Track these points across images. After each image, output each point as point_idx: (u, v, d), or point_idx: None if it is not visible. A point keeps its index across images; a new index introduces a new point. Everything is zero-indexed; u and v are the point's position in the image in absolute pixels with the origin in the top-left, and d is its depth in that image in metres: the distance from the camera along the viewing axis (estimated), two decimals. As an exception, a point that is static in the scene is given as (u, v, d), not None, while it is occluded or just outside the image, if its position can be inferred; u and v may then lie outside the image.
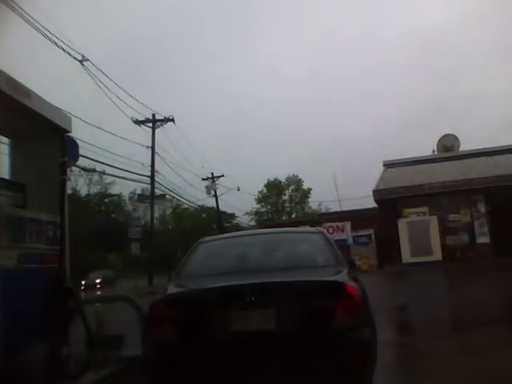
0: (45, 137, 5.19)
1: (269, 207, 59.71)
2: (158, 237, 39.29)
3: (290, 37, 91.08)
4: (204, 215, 54.70)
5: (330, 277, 4.41)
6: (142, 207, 48.87)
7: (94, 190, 50.44)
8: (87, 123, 23.13)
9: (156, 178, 32.15)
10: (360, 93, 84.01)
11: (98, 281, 33.81)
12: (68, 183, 5.81)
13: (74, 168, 23.30)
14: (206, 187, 42.42)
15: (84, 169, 30.71)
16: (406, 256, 26.03)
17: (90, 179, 48.13)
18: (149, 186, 33.11)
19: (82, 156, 17.11)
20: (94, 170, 33.30)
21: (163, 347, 4.08)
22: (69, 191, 9.15)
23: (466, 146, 32.18)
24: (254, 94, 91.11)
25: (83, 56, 21.30)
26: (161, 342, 4.10)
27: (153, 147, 31.28)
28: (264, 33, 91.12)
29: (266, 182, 58.52)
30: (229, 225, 52.81)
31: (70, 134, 5.66)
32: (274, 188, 59.09)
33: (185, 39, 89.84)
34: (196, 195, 53.49)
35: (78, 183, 45.72)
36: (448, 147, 32.13)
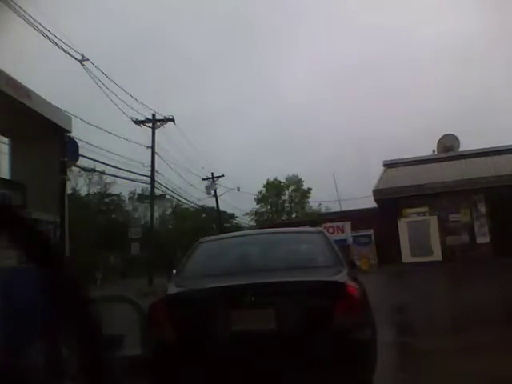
0: (45, 137, 5.19)
1: (268, 207, 59.74)
2: (158, 237, 39.25)
3: (290, 37, 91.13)
4: (204, 215, 54.68)
5: (330, 277, 4.41)
6: (142, 207, 48.87)
7: (94, 190, 50.44)
8: (87, 123, 23.10)
9: (156, 178, 32.15)
10: (360, 93, 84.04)
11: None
12: (68, 183, 5.82)
13: (73, 168, 23.30)
14: (206, 187, 42.39)
15: (84, 169, 30.68)
16: (406, 256, 26.03)
17: (89, 179, 48.13)
18: (149, 186, 33.10)
19: (82, 156, 17.12)
20: (93, 170, 33.26)
21: (163, 347, 4.08)
22: (69, 191, 9.16)
23: (465, 146, 32.21)
24: (254, 93, 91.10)
25: (83, 56, 21.25)
26: (161, 342, 4.10)
27: (153, 147, 31.26)
28: (264, 34, 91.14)
29: (265, 182, 58.57)
30: (229, 225, 52.79)
31: (69, 134, 5.67)
32: (273, 188, 59.10)
33: (184, 39, 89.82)
34: (196, 195, 53.42)
35: (78, 183, 45.70)
36: (448, 147, 32.12)
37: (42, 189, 5.09)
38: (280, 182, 59.60)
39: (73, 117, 6.27)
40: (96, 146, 26.29)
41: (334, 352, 3.91)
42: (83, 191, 48.26)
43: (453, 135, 33.08)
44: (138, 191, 41.85)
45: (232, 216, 56.61)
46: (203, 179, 42.21)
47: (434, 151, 33.13)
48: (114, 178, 34.33)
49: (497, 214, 25.07)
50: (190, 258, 5.19)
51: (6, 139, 5.62)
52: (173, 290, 4.67)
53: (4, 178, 5.00)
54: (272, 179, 58.74)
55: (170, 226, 58.88)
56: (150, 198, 33.04)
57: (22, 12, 14.50)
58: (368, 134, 79.89)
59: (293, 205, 60.80)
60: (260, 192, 58.42)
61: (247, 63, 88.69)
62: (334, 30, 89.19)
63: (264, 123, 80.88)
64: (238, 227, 51.80)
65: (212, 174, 42.66)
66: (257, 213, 58.81)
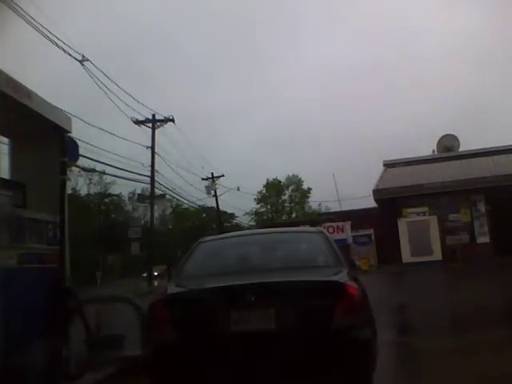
0: (45, 137, 5.19)
1: (268, 207, 59.77)
2: (158, 237, 39.24)
3: (291, 37, 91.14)
4: (204, 215, 54.69)
5: (330, 277, 4.40)
6: (142, 207, 48.84)
7: (94, 190, 50.46)
8: (87, 123, 23.10)
9: (156, 178, 32.14)
10: (361, 93, 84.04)
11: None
12: (68, 183, 5.82)
13: (74, 168, 23.31)
14: (206, 187, 42.41)
15: (84, 169, 30.69)
16: (406, 256, 26.01)
17: (90, 179, 48.15)
18: (149, 186, 33.09)
19: (82, 156, 17.11)
20: (93, 170, 33.29)
21: (163, 347, 4.08)
22: (69, 191, 9.17)
23: (465, 146, 32.21)
24: (255, 93, 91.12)
25: (83, 56, 21.27)
26: (161, 342, 4.10)
27: (153, 147, 31.26)
28: (265, 34, 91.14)
29: (265, 182, 58.57)
30: (229, 225, 52.79)
31: (69, 134, 5.66)
32: (273, 188, 59.12)
33: (184, 39, 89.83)
34: (196, 195, 53.40)
35: (78, 183, 45.73)
36: (448, 147, 32.10)
37: (41, 189, 5.09)
38: (280, 181, 59.62)
39: (73, 117, 6.26)
40: (96, 146, 26.34)
41: (333, 352, 3.91)
42: (83, 191, 48.31)
43: (453, 135, 33.05)
44: (138, 191, 41.80)
45: (232, 216, 56.62)
46: (203, 179, 42.28)
47: (433, 151, 33.12)
48: (114, 177, 34.37)
49: (497, 213, 25.05)
50: (190, 257, 5.18)
51: (6, 139, 5.60)
52: (172, 289, 4.67)
53: (4, 178, 4.99)
54: (272, 179, 58.81)
55: (170, 226, 58.90)
56: (150, 198, 33.01)
57: (22, 12, 14.51)
58: (368, 133, 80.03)
59: (293, 205, 60.83)
60: (260, 192, 58.50)
61: (248, 63, 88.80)
62: (336, 31, 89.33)
63: (264, 123, 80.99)
64: (238, 227, 51.80)
65: (212, 173, 42.71)
66: (257, 213, 58.84)
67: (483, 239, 25.75)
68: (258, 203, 58.63)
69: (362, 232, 30.78)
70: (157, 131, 31.43)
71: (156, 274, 36.98)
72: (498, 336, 6.52)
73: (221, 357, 3.93)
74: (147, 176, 31.37)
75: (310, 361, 3.88)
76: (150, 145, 31.24)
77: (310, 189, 59.45)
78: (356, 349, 3.96)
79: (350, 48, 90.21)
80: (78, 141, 7.37)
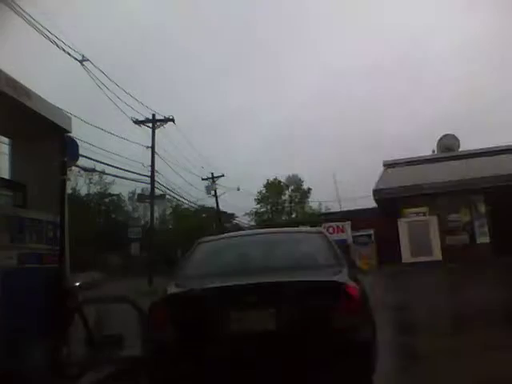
0: (45, 137, 5.19)
1: (268, 207, 59.76)
2: (158, 237, 39.24)
3: (291, 37, 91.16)
4: (204, 215, 54.67)
5: (330, 277, 4.40)
6: (142, 207, 48.85)
7: (94, 189, 50.48)
8: (87, 123, 23.12)
9: (156, 178, 32.15)
10: (360, 93, 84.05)
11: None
12: (68, 183, 5.81)
13: (74, 168, 23.31)
14: (206, 187, 42.41)
15: (84, 169, 30.70)
16: (406, 256, 26.00)
17: (89, 179, 48.17)
18: (149, 186, 33.10)
19: (82, 156, 17.11)
20: (93, 170, 33.31)
21: (163, 347, 4.08)
22: (69, 191, 9.16)
23: (466, 146, 32.23)
24: (255, 94, 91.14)
25: (83, 56, 21.27)
26: (161, 342, 4.10)
27: (153, 147, 31.26)
28: (265, 34, 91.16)
29: (265, 182, 58.59)
30: (229, 225, 52.78)
31: (69, 134, 5.66)
32: (273, 188, 59.12)
33: (184, 39, 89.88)
34: (196, 195, 53.49)
35: (78, 183, 45.76)
36: (448, 147, 32.12)
37: (42, 189, 5.09)
38: (280, 181, 59.60)
39: (73, 117, 6.26)
40: (96, 146, 26.36)
41: (334, 352, 3.91)
42: (83, 191, 48.34)
43: (453, 135, 33.08)
44: (138, 191, 41.85)
45: (232, 216, 56.61)
46: (203, 179, 42.27)
47: (433, 151, 33.13)
48: (114, 177, 34.38)
49: (497, 214, 25.03)
50: (190, 258, 5.19)
51: (6, 139, 5.61)
52: (173, 290, 4.67)
53: (4, 178, 5.00)
54: (272, 179, 58.79)
55: (170, 226, 58.88)
56: (150, 198, 33.01)
57: (22, 12, 14.50)
58: (368, 133, 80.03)
59: (293, 205, 60.81)
60: (260, 192, 58.49)
61: (248, 64, 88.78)
62: (336, 32, 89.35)
63: (264, 123, 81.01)
64: (238, 227, 51.78)
65: (212, 174, 42.71)
66: (257, 213, 58.83)
67: (483, 239, 25.74)
68: (258, 203, 58.64)
69: (362, 232, 30.77)
70: (157, 131, 31.46)
71: (77, 284, 28.78)
72: (498, 336, 6.52)
73: (221, 357, 3.93)
74: (147, 176, 31.39)
75: (310, 361, 3.88)
76: (150, 145, 31.26)
77: (310, 189, 59.50)
78: (356, 349, 3.96)
79: (350, 48, 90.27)
80: (78, 141, 7.36)
